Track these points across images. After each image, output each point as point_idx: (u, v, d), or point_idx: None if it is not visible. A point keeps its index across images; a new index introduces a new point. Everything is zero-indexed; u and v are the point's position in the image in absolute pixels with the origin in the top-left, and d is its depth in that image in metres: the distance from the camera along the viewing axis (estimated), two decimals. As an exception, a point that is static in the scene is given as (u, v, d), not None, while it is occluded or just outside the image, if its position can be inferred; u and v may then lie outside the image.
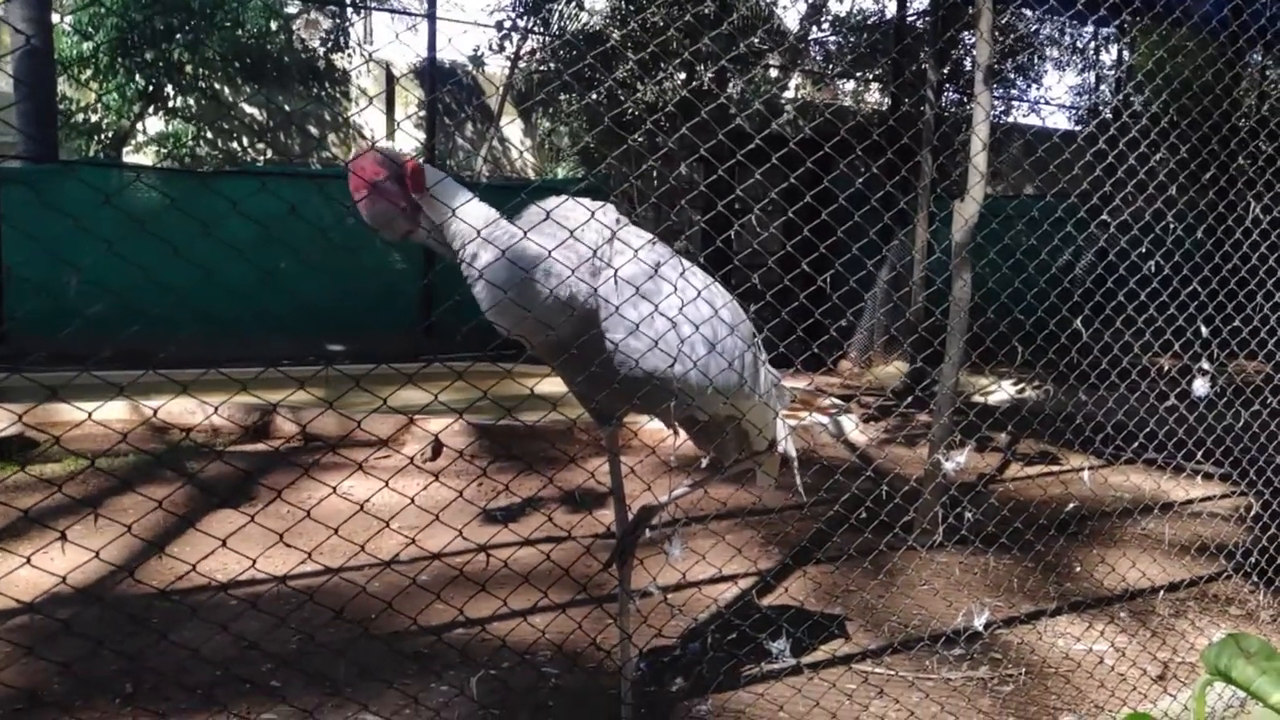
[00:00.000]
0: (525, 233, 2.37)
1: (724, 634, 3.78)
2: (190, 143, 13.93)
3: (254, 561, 2.33)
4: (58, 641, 3.40)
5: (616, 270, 2.41)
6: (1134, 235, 3.48)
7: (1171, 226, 3.52)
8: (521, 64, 12.87)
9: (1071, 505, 5.44)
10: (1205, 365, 3.40)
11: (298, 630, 3.51)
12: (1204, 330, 3.44)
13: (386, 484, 2.66)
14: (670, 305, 2.48)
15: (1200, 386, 3.44)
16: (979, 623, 3.24)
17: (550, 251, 2.33)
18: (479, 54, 10.35)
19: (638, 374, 2.44)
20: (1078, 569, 4.72)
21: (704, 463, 3.04)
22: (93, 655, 3.32)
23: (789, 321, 2.96)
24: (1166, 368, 3.45)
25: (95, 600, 3.74)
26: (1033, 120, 18.33)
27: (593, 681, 3.38)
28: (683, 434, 2.97)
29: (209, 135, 14.48)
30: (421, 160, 2.40)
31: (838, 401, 8.50)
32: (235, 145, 14.88)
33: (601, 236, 2.45)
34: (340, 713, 2.99)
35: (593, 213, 2.45)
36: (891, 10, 15.16)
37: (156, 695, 3.11)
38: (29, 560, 2.04)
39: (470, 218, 2.33)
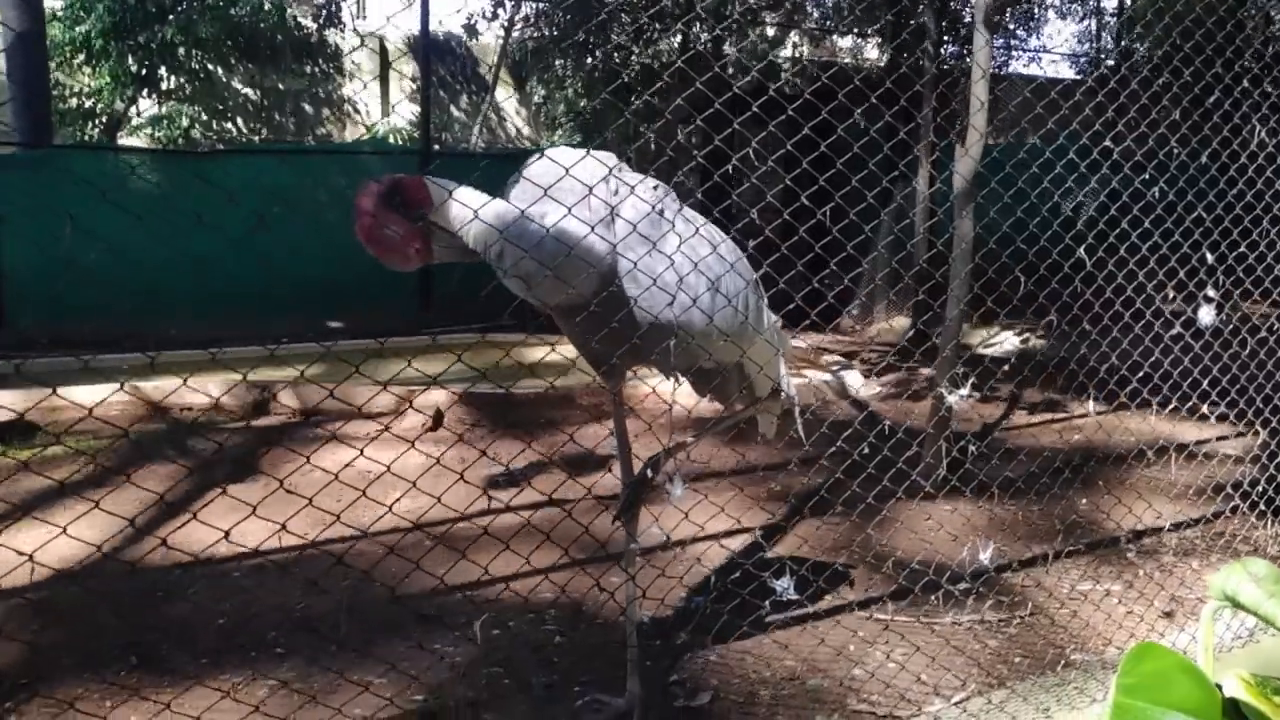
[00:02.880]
0: (532, 191, 2.34)
1: (728, 584, 3.78)
2: (185, 124, 13.87)
3: (226, 533, 2.31)
4: (61, 615, 3.41)
5: (604, 215, 2.38)
6: (1138, 161, 3.40)
7: (1175, 152, 3.45)
8: (515, 31, 12.77)
9: (1077, 449, 5.42)
10: (1210, 293, 3.34)
11: (300, 597, 3.52)
12: (1209, 258, 3.38)
13: (365, 453, 2.64)
14: (675, 247, 2.46)
15: (1206, 315, 3.38)
16: (984, 557, 3.21)
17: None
18: (472, 22, 10.26)
19: (651, 319, 2.43)
20: (1084, 510, 4.70)
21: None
22: (97, 627, 3.33)
23: (787, 285, 2.94)
24: (1172, 295, 3.40)
25: (97, 575, 3.75)
26: (1034, 70, 18.13)
27: (597, 635, 3.37)
28: (684, 384, 2.94)
29: (204, 117, 14.42)
30: (419, 176, 2.36)
31: (840, 359, 8.48)
32: (230, 126, 14.82)
33: (607, 187, 2.42)
34: (345, 675, 2.99)
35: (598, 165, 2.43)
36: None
37: (162, 664, 3.11)
38: (30, 554, 2.02)
39: (486, 215, 2.30)
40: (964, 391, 3.01)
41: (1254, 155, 3.59)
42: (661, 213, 2.49)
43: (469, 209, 2.29)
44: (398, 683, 2.97)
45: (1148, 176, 3.53)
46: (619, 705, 2.81)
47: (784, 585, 2.81)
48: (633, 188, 2.45)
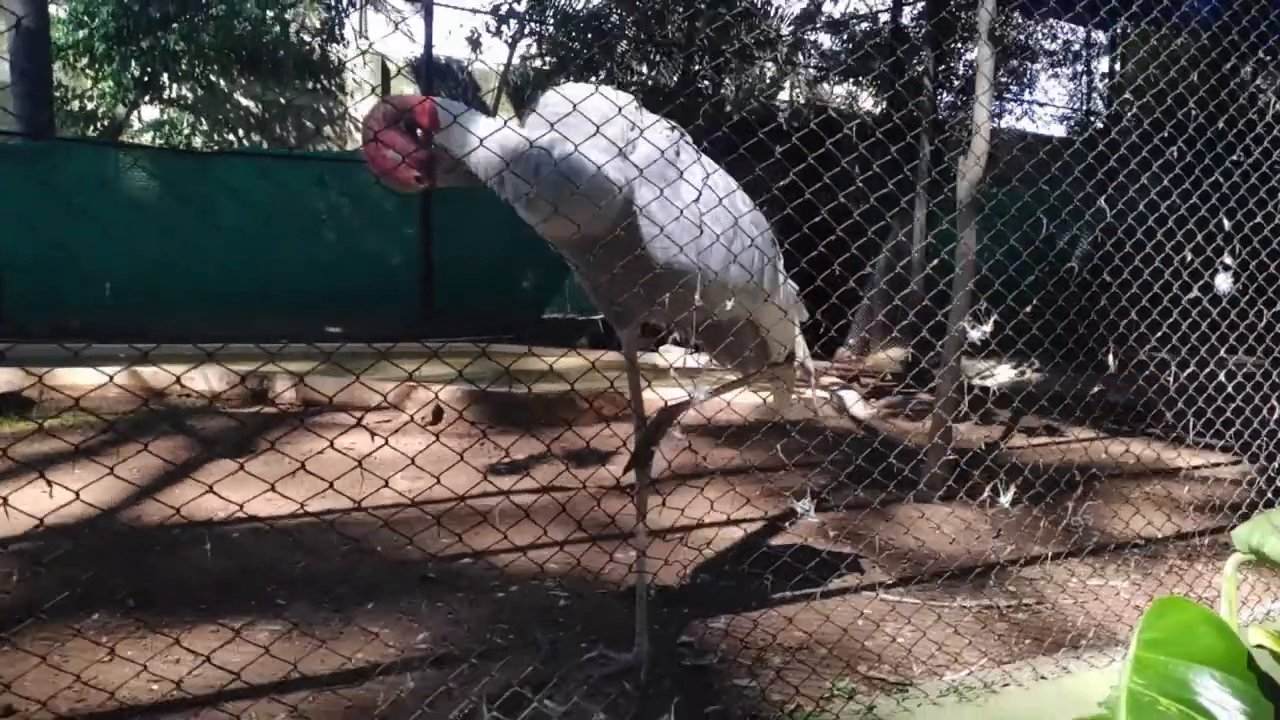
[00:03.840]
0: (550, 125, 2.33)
1: (736, 564, 3.76)
2: (186, 132, 13.89)
3: (241, 506, 2.28)
4: (60, 564, 3.36)
5: (618, 149, 2.37)
6: (1157, 119, 3.41)
7: (1193, 113, 3.46)
8: (520, 49, 12.87)
9: (1079, 467, 5.40)
10: (1228, 260, 3.34)
11: (301, 558, 3.47)
12: (1226, 224, 3.38)
13: (382, 439, 2.61)
14: (698, 196, 2.45)
15: (1223, 282, 3.38)
16: (1006, 500, 3.17)
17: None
18: (476, 36, 10.35)
19: (664, 259, 2.41)
20: (1088, 521, 4.67)
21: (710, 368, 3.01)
22: (96, 575, 3.29)
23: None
24: (1190, 259, 3.38)
25: (98, 531, 3.70)
26: (1027, 124, 18.33)
27: (603, 601, 3.33)
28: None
29: (204, 125, 14.43)
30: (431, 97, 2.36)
31: (839, 381, 8.48)
32: (231, 137, 14.84)
33: (622, 123, 2.41)
34: (345, 625, 2.94)
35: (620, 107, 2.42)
36: (884, 17, 15.24)
37: (160, 609, 3.06)
38: (41, 519, 1.98)
39: (491, 142, 2.29)
40: (987, 328, 2.96)
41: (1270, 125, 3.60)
42: (678, 153, 2.49)
43: (474, 135, 2.29)
44: (401, 634, 2.93)
45: (1166, 130, 3.51)
46: (626, 660, 2.76)
47: (805, 507, 2.77)
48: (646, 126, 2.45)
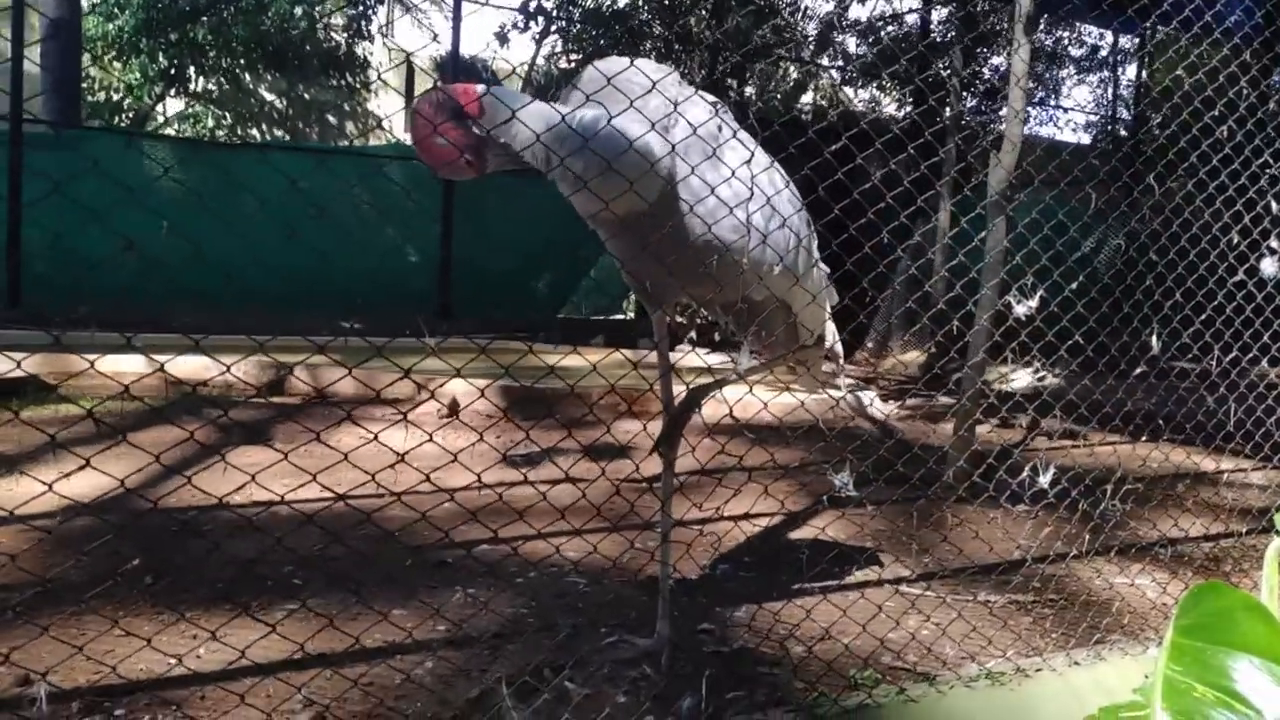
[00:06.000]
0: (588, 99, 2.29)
1: (756, 556, 3.72)
2: (210, 125, 13.92)
3: (254, 477, 2.24)
4: (79, 543, 3.34)
5: (662, 119, 2.33)
6: (1207, 97, 3.33)
7: (1245, 92, 3.39)
8: (543, 55, 12.88)
9: (1102, 470, 5.34)
10: (1274, 244, 3.26)
11: (319, 542, 3.44)
12: (1275, 206, 3.29)
13: (382, 434, 2.58)
14: (741, 174, 2.42)
15: (1269, 266, 3.30)
16: (1044, 481, 3.11)
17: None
18: (504, 32, 10.36)
19: (712, 233, 2.37)
20: (1114, 521, 4.60)
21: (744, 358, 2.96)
22: (114, 552, 3.27)
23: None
24: (1236, 240, 3.30)
25: (115, 511, 3.68)
26: (1051, 131, 18.19)
27: (622, 590, 3.29)
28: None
29: (228, 119, 14.45)
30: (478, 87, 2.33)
31: (857, 381, 8.42)
32: (255, 132, 14.88)
33: (666, 94, 2.37)
34: (363, 607, 2.91)
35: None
36: (911, 19, 15.22)
37: (176, 587, 3.03)
38: (51, 487, 1.95)
39: (534, 121, 2.26)
40: (1033, 303, 2.90)
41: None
42: (720, 128, 2.45)
43: (513, 110, 2.25)
44: (419, 616, 2.89)
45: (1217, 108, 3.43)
46: (647, 645, 2.72)
47: (843, 480, 2.72)
48: (691, 98, 2.42)
